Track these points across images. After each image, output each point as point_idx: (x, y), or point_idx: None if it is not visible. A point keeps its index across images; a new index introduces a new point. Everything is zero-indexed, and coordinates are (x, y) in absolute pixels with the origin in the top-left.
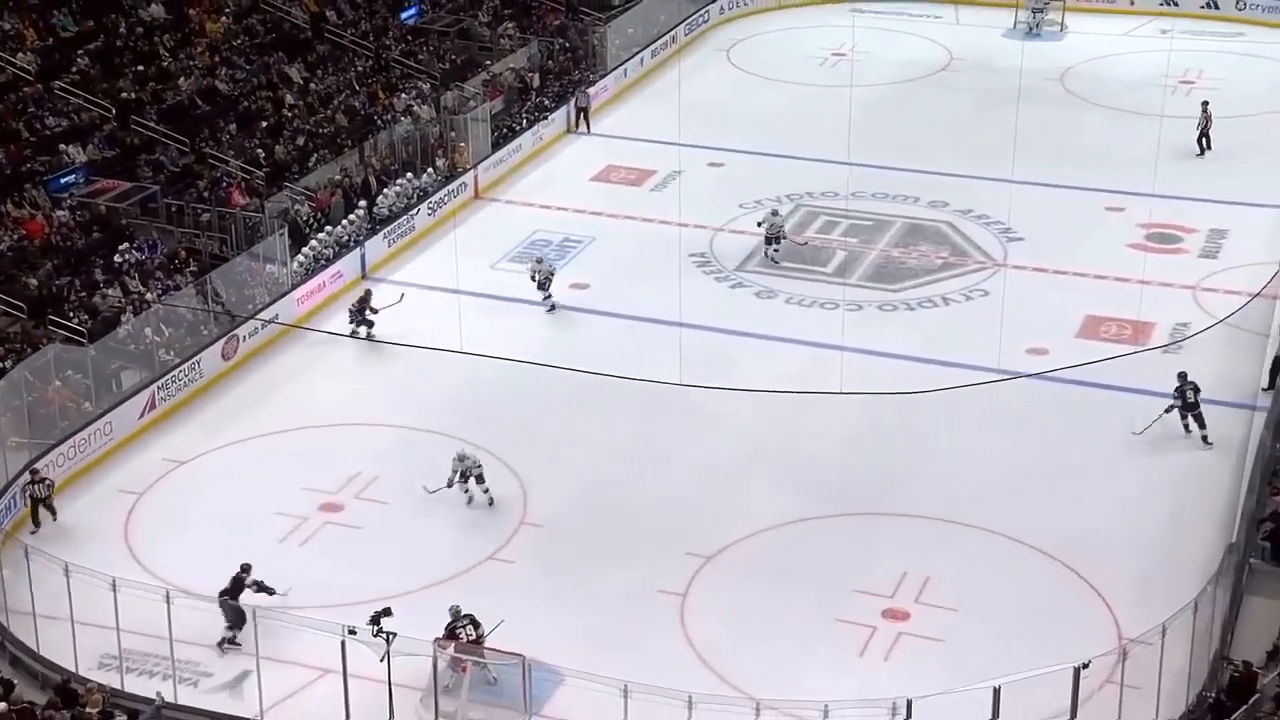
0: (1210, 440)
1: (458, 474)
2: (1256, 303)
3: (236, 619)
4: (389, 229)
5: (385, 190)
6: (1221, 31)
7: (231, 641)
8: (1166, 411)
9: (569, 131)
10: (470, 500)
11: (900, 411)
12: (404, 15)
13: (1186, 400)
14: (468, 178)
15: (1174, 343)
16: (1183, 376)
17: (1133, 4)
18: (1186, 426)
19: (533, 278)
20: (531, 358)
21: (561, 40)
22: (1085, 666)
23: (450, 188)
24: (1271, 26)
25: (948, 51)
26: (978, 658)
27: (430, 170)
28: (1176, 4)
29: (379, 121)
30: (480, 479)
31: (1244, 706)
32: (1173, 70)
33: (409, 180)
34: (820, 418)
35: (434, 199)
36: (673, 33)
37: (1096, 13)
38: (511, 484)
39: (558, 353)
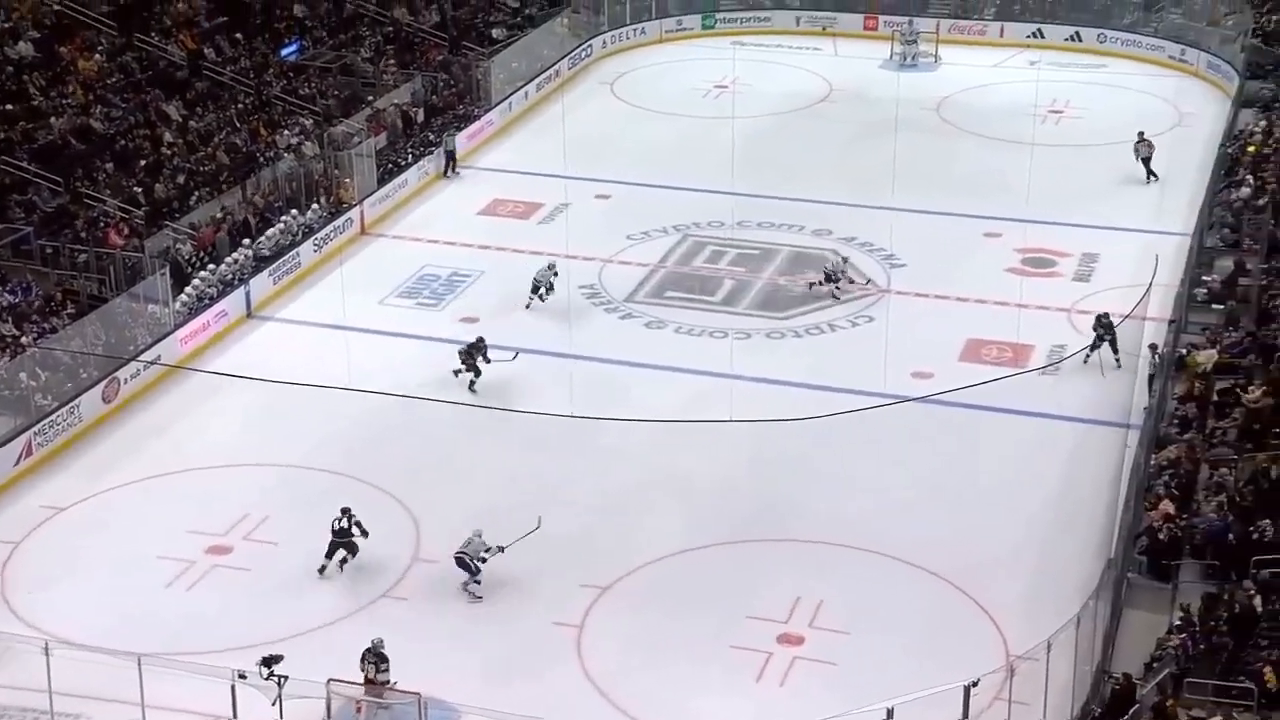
0: (1121, 364)
1: (478, 557)
2: (1127, 324)
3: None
4: (274, 266)
5: (269, 229)
6: (1085, 63)
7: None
8: (1093, 349)
9: (441, 176)
10: (477, 586)
11: (791, 438)
12: (284, 52)
13: (1107, 325)
14: (353, 213)
15: (1052, 364)
16: (1101, 316)
17: (1002, 36)
18: (1119, 361)
19: (537, 287)
20: (422, 393)
21: (445, 75)
22: (974, 685)
23: (336, 224)
24: (1130, 59)
25: (827, 83)
26: (871, 679)
27: (315, 206)
28: (1043, 36)
29: (261, 159)
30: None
31: (1124, 718)
32: (1041, 100)
33: (294, 217)
34: (712, 446)
35: (319, 235)
36: (556, 66)
37: (968, 44)
38: (404, 520)
39: (448, 387)
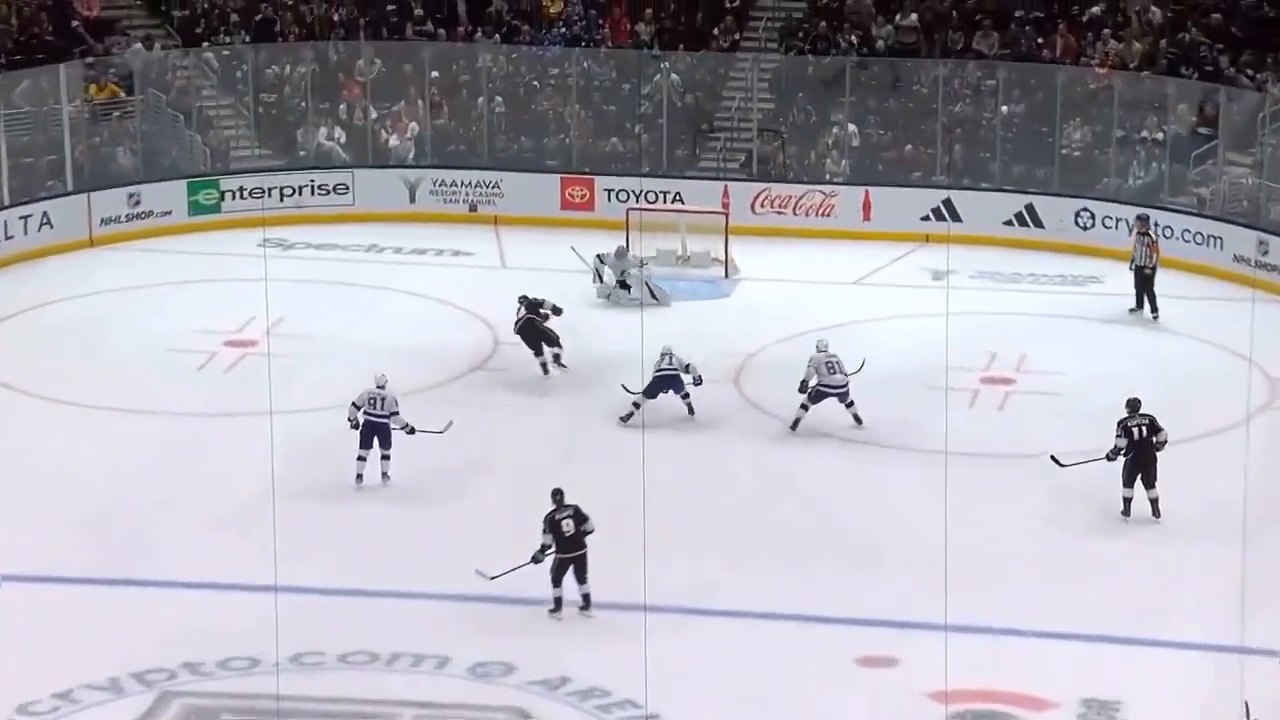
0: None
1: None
2: None
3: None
4: None
5: None
6: (1052, 273)
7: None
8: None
9: None
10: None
11: None
12: None
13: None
14: None
15: None
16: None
17: (869, 218)
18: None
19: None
20: None
21: None
22: None
23: None
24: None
25: (489, 329)
26: None
27: None
28: (956, 217)
29: None
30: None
31: None
32: (964, 356)
33: None
34: None
35: None
36: None
37: (794, 237)
38: None
39: None
